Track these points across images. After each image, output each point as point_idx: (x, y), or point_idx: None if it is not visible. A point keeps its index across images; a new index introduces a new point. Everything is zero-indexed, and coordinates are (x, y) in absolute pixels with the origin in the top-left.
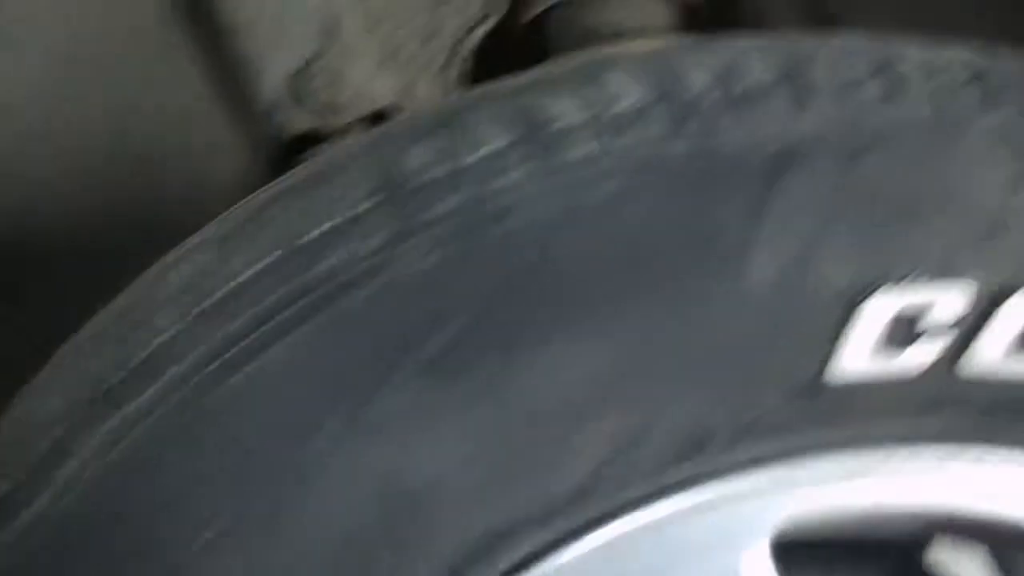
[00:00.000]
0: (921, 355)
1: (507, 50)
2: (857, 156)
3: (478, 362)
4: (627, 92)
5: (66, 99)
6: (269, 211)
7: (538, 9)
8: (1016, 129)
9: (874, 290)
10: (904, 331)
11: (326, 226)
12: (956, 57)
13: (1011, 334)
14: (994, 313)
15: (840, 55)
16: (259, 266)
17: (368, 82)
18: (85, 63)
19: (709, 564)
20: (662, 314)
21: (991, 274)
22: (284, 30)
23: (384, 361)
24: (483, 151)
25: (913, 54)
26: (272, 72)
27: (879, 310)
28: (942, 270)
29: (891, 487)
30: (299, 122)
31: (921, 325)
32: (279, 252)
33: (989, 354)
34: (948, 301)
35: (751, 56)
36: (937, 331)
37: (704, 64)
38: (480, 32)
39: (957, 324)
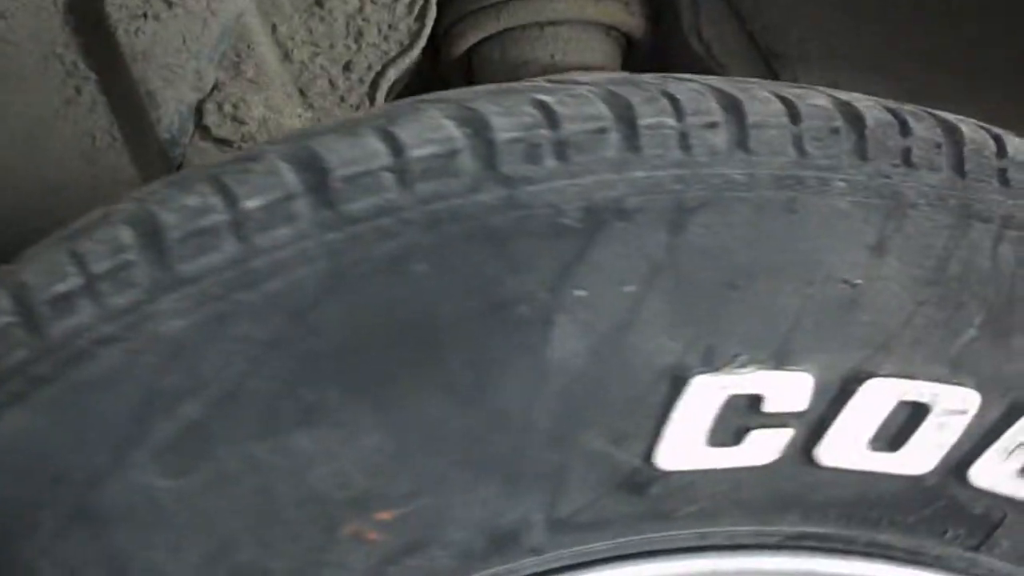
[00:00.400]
0: (762, 447)
1: (435, 87)
2: (694, 211)
3: (228, 444)
4: (430, 136)
5: None
6: (32, 258)
7: (467, 44)
8: (889, 184)
9: (706, 368)
10: (745, 419)
11: (79, 279)
12: (826, 100)
13: (870, 425)
14: (848, 401)
15: (688, 95)
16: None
17: (275, 113)
18: None
19: None
20: (450, 391)
21: (845, 356)
22: (183, 60)
23: (120, 439)
24: (259, 199)
25: (776, 95)
26: (170, 103)
27: (712, 392)
28: (787, 349)
29: None
30: (201, 153)
31: (763, 411)
32: (26, 306)
33: (845, 448)
34: (793, 385)
35: (579, 96)
36: (782, 419)
37: (525, 104)
38: (402, 66)
39: (805, 412)
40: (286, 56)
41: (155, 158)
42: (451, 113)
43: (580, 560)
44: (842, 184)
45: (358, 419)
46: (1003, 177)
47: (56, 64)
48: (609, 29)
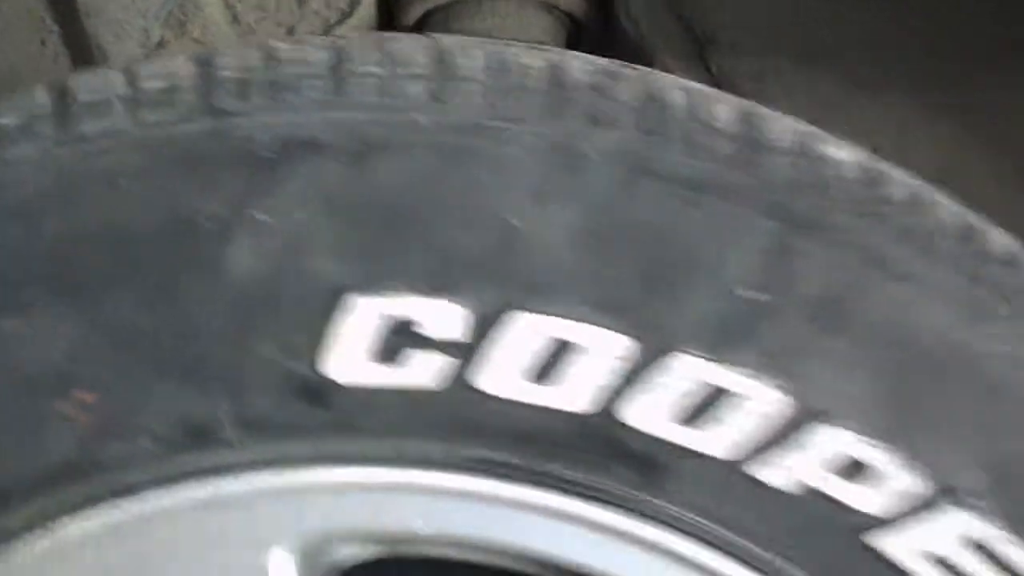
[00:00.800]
0: (424, 369)
1: None
2: (379, 151)
3: None
4: (162, 71)
5: None
6: None
7: (416, 15)
8: (570, 140)
9: (367, 293)
10: (403, 341)
11: None
12: (536, 60)
13: (524, 359)
14: (503, 333)
15: (402, 49)
16: None
17: None
18: None
19: (228, 559)
20: (141, 294)
21: (500, 291)
22: (131, 18)
23: None
24: (13, 118)
25: (485, 53)
26: (118, 57)
27: (372, 314)
28: (444, 280)
29: (437, 513)
30: None
31: (420, 336)
32: None
33: (504, 378)
34: (448, 315)
35: (306, 45)
36: (440, 345)
37: (253, 49)
38: (340, 32)
39: (461, 340)
40: (235, 19)
41: None
42: (193, 55)
43: (285, 459)
44: (525, 136)
45: (62, 311)
46: (689, 140)
47: (26, 18)
48: (550, 7)
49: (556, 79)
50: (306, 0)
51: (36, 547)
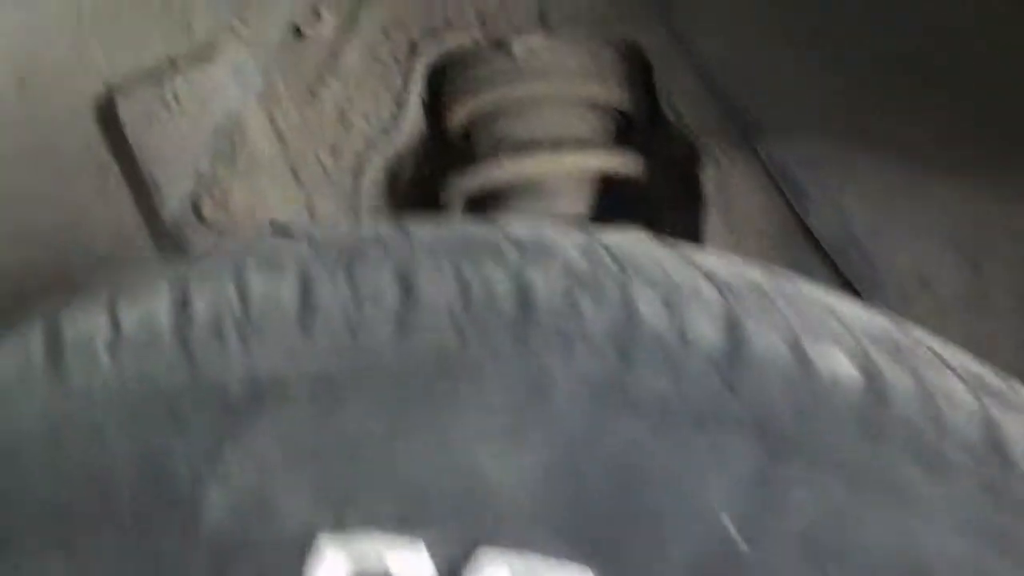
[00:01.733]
0: None
1: (444, 162)
2: (339, 394)
3: None
4: (142, 312)
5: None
6: None
7: (459, 120)
8: (542, 370)
9: (336, 534)
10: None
11: None
12: (501, 275)
13: None
14: (469, 571)
15: (367, 273)
16: None
17: (261, 199)
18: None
19: None
20: (122, 540)
21: (465, 530)
22: (181, 155)
23: None
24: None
25: (454, 275)
26: (172, 192)
27: (342, 555)
28: (411, 522)
29: None
30: (201, 239)
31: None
32: None
33: None
34: (416, 555)
35: (261, 275)
36: None
37: (210, 286)
38: (385, 146)
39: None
40: (282, 141)
41: (167, 241)
42: (171, 288)
43: None
44: (492, 371)
45: (52, 554)
46: (665, 360)
47: (90, 157)
48: (594, 105)
49: (524, 300)
50: (348, 117)
51: None
